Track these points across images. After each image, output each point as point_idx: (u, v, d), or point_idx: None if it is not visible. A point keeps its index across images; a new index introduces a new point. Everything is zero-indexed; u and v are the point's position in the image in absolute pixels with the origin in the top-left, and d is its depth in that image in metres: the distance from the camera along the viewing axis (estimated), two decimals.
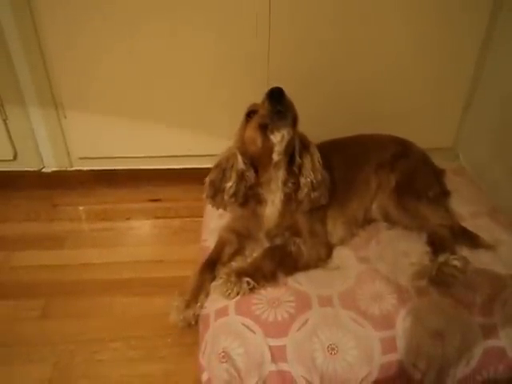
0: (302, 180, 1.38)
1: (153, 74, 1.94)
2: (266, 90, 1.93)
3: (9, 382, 1.36)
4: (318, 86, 1.98)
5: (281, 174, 1.38)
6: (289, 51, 1.91)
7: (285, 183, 1.39)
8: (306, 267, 1.40)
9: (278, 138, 1.27)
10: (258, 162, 1.37)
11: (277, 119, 1.24)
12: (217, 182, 1.39)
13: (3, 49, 1.88)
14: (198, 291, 1.36)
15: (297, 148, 1.37)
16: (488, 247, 1.44)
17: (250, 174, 1.37)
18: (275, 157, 1.32)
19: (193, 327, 1.35)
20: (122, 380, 1.35)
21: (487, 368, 1.20)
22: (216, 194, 1.40)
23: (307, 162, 1.38)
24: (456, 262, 1.30)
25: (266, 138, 1.27)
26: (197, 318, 1.35)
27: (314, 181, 1.37)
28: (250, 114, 1.32)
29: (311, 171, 1.38)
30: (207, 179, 1.42)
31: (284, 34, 1.86)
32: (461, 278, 1.28)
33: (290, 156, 1.37)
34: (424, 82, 2.01)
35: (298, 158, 1.38)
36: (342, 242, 1.51)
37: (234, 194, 1.38)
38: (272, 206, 1.43)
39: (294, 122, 1.29)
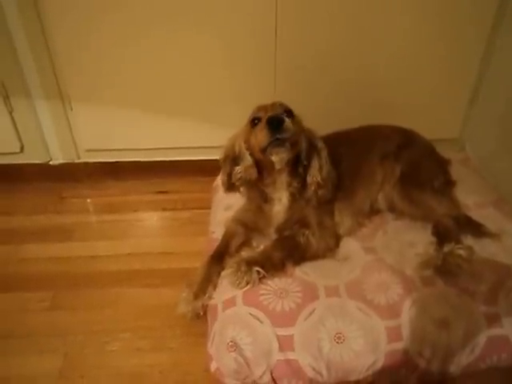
0: (309, 179, 1.41)
1: (160, 65, 1.95)
2: (272, 81, 1.97)
3: (21, 373, 1.38)
4: (324, 77, 1.98)
5: (284, 177, 1.42)
6: (295, 42, 1.90)
7: (289, 185, 1.43)
8: (315, 257, 1.41)
9: (277, 159, 1.32)
10: (262, 164, 1.40)
11: (275, 146, 1.27)
12: (230, 173, 1.43)
13: (7, 40, 1.88)
14: (206, 282, 1.38)
15: (303, 151, 1.39)
16: (493, 236, 1.44)
17: (253, 171, 1.40)
18: (277, 167, 1.37)
19: (201, 318, 1.37)
20: (132, 370, 1.38)
21: (491, 356, 1.21)
22: (231, 184, 1.46)
23: (314, 161, 1.40)
24: (461, 252, 1.32)
25: (266, 156, 1.32)
26: (205, 308, 1.37)
27: (321, 181, 1.39)
28: (255, 121, 1.34)
29: (318, 171, 1.40)
30: (222, 174, 1.47)
31: (291, 24, 1.86)
32: (466, 268, 1.29)
33: (295, 158, 1.39)
34: (431, 72, 2.01)
35: (303, 161, 1.40)
36: (350, 233, 1.53)
37: (241, 179, 1.42)
38: (279, 205, 1.46)
39: (295, 141, 1.32)
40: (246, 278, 1.28)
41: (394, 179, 1.54)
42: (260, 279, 1.30)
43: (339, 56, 1.95)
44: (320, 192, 1.41)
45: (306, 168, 1.41)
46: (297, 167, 1.41)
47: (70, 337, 1.48)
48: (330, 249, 1.46)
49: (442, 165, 1.69)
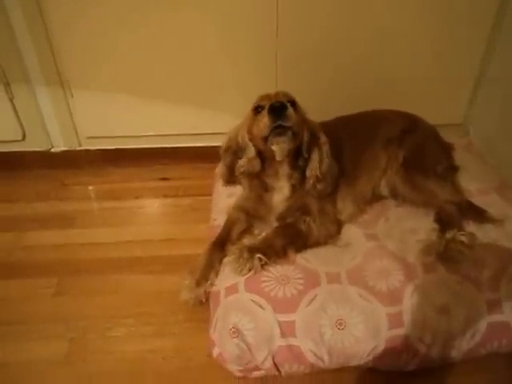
0: (308, 173, 1.41)
1: (161, 52, 1.93)
2: (274, 67, 1.96)
3: (27, 358, 1.39)
4: (327, 62, 1.97)
5: (285, 169, 1.42)
6: (297, 28, 1.88)
7: (290, 176, 1.43)
8: (316, 244, 1.42)
9: (278, 149, 1.32)
10: (264, 155, 1.40)
11: (276, 134, 1.27)
12: (231, 165, 1.43)
13: (6, 26, 1.86)
14: (208, 269, 1.39)
15: (305, 143, 1.39)
16: (495, 222, 1.45)
17: (257, 163, 1.40)
18: (278, 158, 1.36)
19: (203, 304, 1.39)
20: (135, 355, 1.39)
21: (491, 341, 1.23)
22: (231, 175, 1.45)
23: (315, 155, 1.40)
24: (463, 238, 1.33)
25: (268, 146, 1.32)
26: (207, 295, 1.38)
27: (320, 174, 1.39)
28: (258, 109, 1.33)
29: (318, 164, 1.39)
30: (221, 166, 1.47)
31: (292, 10, 1.84)
32: (468, 254, 1.30)
33: (297, 150, 1.39)
34: (435, 56, 1.99)
35: (304, 153, 1.40)
36: (351, 219, 1.53)
37: (244, 172, 1.41)
38: (280, 194, 1.46)
39: (297, 131, 1.31)
40: (248, 265, 1.29)
41: (397, 164, 1.54)
42: (262, 266, 1.31)
43: (342, 41, 1.93)
44: (319, 186, 1.41)
45: (307, 161, 1.41)
46: (298, 159, 1.41)
47: (74, 322, 1.49)
48: (332, 235, 1.46)
49: (446, 150, 1.68)
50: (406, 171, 1.52)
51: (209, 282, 1.38)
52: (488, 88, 2.03)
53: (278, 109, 1.23)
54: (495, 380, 1.30)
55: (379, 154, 1.58)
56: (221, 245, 1.45)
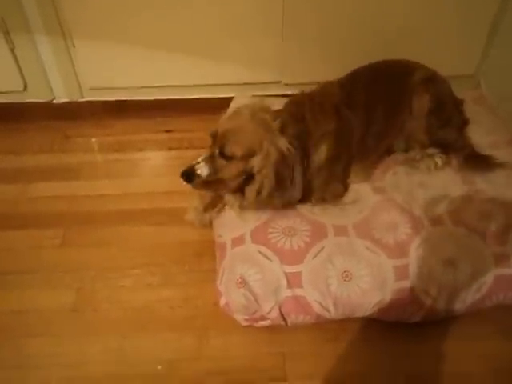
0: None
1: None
2: (280, 18, 1.88)
3: (35, 307, 1.42)
4: (337, 8, 1.87)
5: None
6: None
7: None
8: (322, 200, 1.40)
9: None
10: None
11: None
12: None
13: None
14: (218, 197, 1.42)
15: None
16: (502, 166, 1.45)
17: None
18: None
19: (208, 251, 1.45)
20: (143, 304, 1.41)
21: (497, 294, 1.23)
22: None
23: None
24: (438, 160, 1.48)
25: None
26: (212, 222, 1.44)
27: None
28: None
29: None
30: None
31: None
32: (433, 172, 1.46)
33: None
34: (447, 2, 1.90)
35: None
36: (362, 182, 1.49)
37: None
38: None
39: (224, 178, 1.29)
40: None
41: (422, 112, 1.49)
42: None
43: None
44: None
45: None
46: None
47: (81, 273, 1.50)
48: (339, 195, 1.44)
49: (459, 104, 1.64)
50: (428, 120, 1.48)
51: (216, 208, 1.42)
52: (503, 38, 1.94)
53: (188, 175, 1.26)
54: (500, 331, 1.31)
55: (403, 108, 1.50)
56: None
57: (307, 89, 1.47)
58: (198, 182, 1.26)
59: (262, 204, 1.31)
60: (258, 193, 1.28)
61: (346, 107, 1.39)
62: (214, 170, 1.25)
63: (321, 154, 1.35)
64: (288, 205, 1.34)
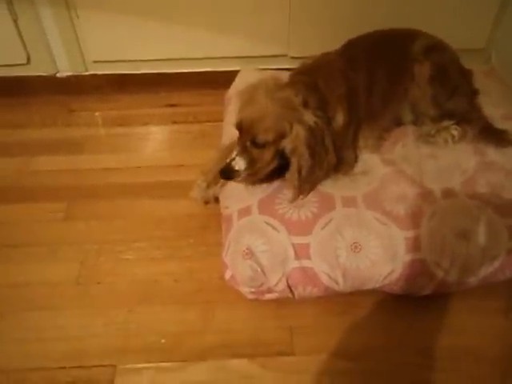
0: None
1: None
2: None
3: (40, 279, 1.40)
4: None
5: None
6: None
7: None
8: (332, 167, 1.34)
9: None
10: None
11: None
12: None
13: None
14: None
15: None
16: None
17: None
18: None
19: (213, 225, 1.44)
20: (148, 277, 1.39)
21: (510, 267, 1.20)
22: None
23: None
24: (455, 132, 1.42)
25: None
26: (216, 198, 1.45)
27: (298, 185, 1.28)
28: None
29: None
30: None
31: None
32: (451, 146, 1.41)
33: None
34: None
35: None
36: (371, 151, 1.45)
37: None
38: None
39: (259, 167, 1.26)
40: None
41: (423, 80, 1.44)
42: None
43: None
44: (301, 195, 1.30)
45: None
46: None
47: (85, 246, 1.49)
48: (349, 164, 1.40)
49: (466, 74, 1.59)
50: (432, 88, 1.44)
51: (219, 184, 1.41)
52: None
53: (227, 173, 1.23)
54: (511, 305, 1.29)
55: (404, 75, 1.47)
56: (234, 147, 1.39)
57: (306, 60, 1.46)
58: (242, 176, 1.23)
59: (307, 183, 1.27)
60: (299, 173, 1.25)
61: (350, 70, 1.38)
62: (251, 161, 1.22)
63: (339, 119, 1.33)
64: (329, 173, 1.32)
